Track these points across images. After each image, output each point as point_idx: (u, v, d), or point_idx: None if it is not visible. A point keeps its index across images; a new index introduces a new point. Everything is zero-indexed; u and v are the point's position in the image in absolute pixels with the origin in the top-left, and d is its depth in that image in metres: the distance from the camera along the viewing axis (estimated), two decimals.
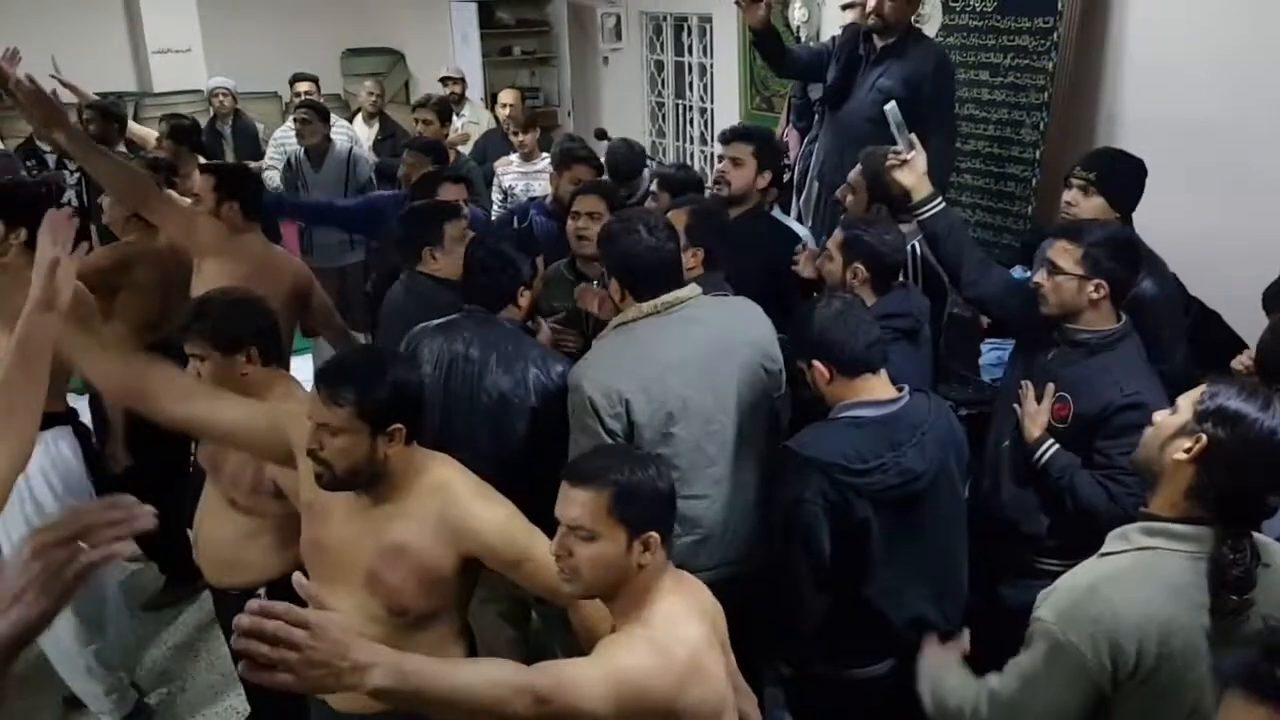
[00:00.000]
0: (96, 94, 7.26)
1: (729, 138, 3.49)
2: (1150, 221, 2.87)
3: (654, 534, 1.75)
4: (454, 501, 2.07)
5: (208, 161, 4.82)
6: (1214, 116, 3.60)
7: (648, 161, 4.79)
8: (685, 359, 2.41)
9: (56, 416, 3.03)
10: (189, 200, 3.81)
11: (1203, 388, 1.69)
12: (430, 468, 2.12)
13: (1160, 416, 1.73)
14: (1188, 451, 1.63)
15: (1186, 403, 1.69)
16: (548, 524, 2.54)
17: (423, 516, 2.06)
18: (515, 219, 4.30)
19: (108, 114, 5.66)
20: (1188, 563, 1.61)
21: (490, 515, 2.08)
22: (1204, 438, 1.62)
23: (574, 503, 1.76)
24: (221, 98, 6.76)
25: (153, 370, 2.26)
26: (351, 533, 2.09)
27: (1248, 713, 1.10)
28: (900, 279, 2.90)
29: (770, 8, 3.88)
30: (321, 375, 2.04)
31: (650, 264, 2.45)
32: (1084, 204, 2.77)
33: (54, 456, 3.05)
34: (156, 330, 3.56)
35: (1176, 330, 2.69)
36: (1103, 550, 1.73)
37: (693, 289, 2.51)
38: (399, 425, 2.01)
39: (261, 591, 2.56)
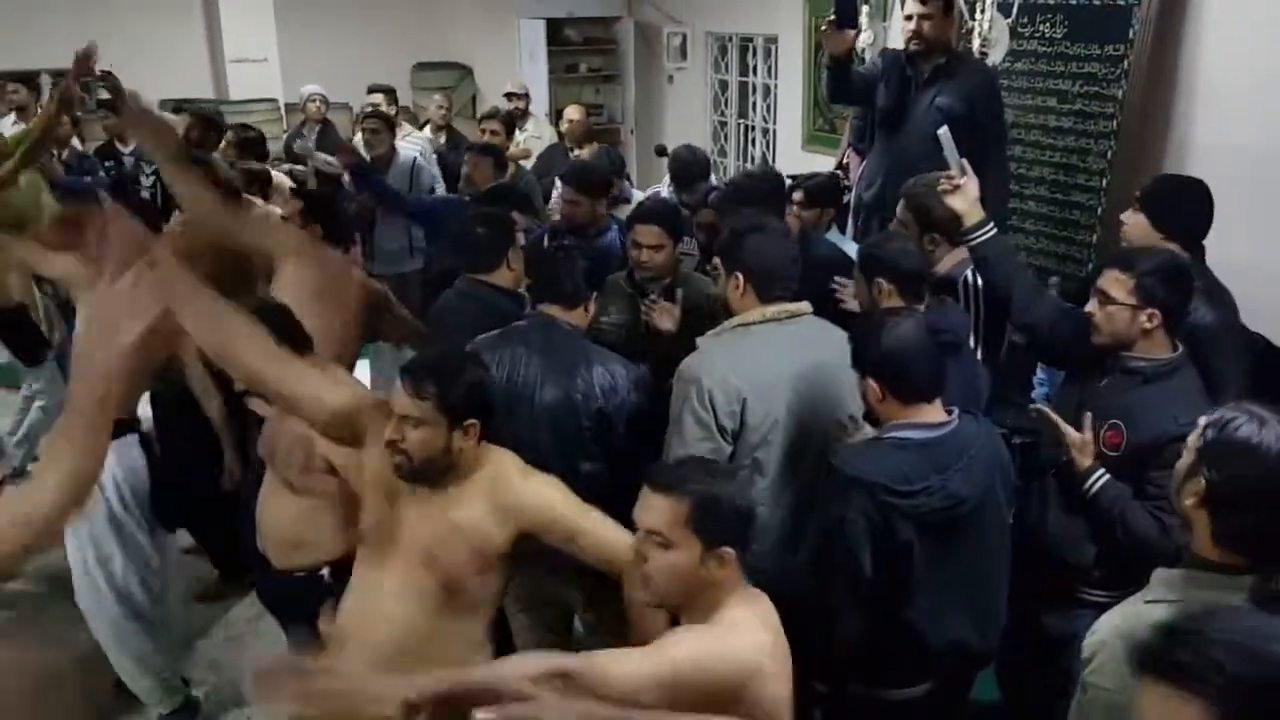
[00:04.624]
0: (172, 100, 7.52)
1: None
2: (1218, 251, 2.81)
3: (728, 550, 1.74)
4: (506, 484, 2.20)
5: (297, 186, 4.87)
6: None
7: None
8: (797, 372, 2.45)
9: (125, 424, 3.07)
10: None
11: (1204, 421, 1.63)
12: (486, 457, 2.24)
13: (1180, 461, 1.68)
14: (1197, 496, 1.59)
15: (1191, 439, 1.64)
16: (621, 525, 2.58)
17: (479, 499, 2.19)
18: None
19: (209, 122, 5.77)
20: None
21: (537, 492, 2.21)
22: (1203, 483, 1.57)
23: (653, 509, 1.76)
24: (317, 104, 6.86)
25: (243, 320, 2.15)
26: (412, 515, 2.21)
27: (1153, 692, 1.12)
28: (940, 296, 2.85)
29: (857, 37, 3.89)
30: (407, 370, 2.16)
31: (783, 264, 2.50)
32: (1130, 220, 2.79)
33: (128, 465, 3.11)
34: None
35: (1236, 363, 2.61)
36: (1148, 596, 1.68)
37: (807, 305, 2.55)
38: (474, 421, 2.14)
39: (325, 571, 2.68)
